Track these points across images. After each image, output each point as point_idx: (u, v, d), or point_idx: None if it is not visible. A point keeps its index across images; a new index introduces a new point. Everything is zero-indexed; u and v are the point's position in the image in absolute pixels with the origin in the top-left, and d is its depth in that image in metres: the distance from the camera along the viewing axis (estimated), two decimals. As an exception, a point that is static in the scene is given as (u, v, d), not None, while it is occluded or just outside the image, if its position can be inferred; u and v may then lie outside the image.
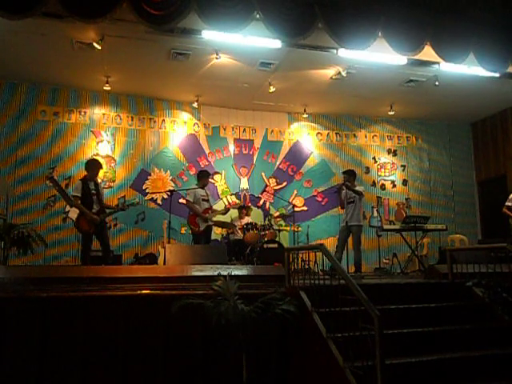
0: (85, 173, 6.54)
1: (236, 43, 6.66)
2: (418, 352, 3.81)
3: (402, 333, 3.95)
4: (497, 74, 7.48)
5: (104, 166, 8.88)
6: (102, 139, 9.06)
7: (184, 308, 3.79)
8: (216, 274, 4.29)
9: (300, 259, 5.23)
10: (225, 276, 4.22)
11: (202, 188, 7.38)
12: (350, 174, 7.51)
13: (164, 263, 5.78)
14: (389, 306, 4.23)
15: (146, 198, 9.16)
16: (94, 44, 6.90)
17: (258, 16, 5.39)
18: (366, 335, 3.17)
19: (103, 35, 6.76)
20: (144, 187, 9.20)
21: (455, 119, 10.95)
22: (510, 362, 3.96)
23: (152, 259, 8.24)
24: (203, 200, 7.26)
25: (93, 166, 6.57)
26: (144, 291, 4.20)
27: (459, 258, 5.38)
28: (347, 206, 7.21)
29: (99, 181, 6.81)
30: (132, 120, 9.32)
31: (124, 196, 8.99)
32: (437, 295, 4.81)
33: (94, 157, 8.89)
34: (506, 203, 8.01)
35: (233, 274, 4.34)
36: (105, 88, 8.41)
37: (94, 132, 9.04)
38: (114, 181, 8.98)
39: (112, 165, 9.03)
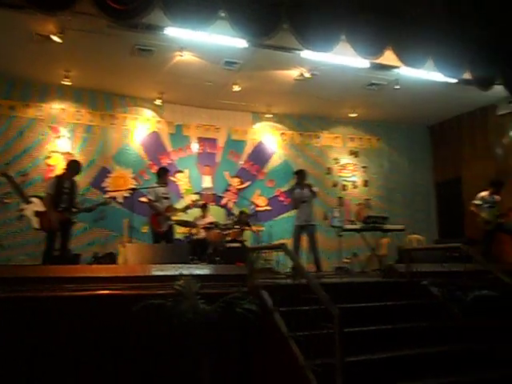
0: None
1: (201, 41, 6.61)
2: (377, 349, 3.91)
3: (361, 331, 4.03)
4: (454, 80, 7.74)
5: (63, 163, 8.67)
6: (60, 135, 8.80)
7: (145, 308, 3.74)
8: (177, 273, 4.25)
9: (262, 258, 5.26)
10: (186, 275, 4.19)
11: (163, 186, 7.25)
12: (302, 174, 7.63)
13: (125, 263, 5.67)
14: (348, 305, 4.29)
15: (106, 196, 8.96)
16: (54, 37, 6.69)
17: (223, 15, 5.38)
18: (326, 333, 3.22)
19: (63, 28, 6.56)
20: (104, 185, 9.01)
21: (414, 122, 11.27)
22: (464, 358, 4.12)
23: (111, 259, 8.07)
24: (164, 198, 7.14)
25: (75, 167, 6.59)
26: (104, 291, 4.11)
27: (417, 257, 5.55)
28: (302, 204, 7.30)
29: (76, 180, 6.67)
30: (93, 116, 9.10)
31: (83, 194, 8.75)
32: (395, 294, 4.94)
33: (52, 153, 8.69)
34: (475, 202, 8.26)
35: (194, 273, 4.31)
36: (64, 82, 8.17)
37: (53, 128, 8.77)
38: (73, 178, 8.72)
39: (71, 162, 8.77)
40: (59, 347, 3.85)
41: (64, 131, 8.83)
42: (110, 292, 4.12)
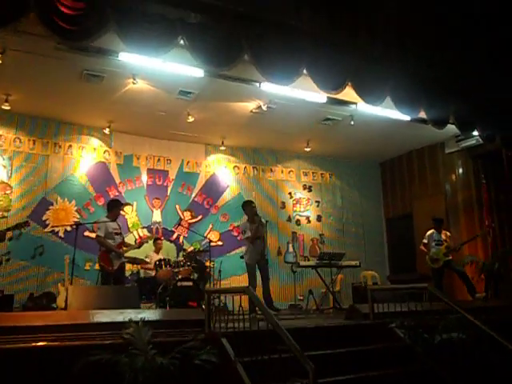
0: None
1: (155, 68, 6.31)
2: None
3: (333, 381, 3.71)
4: (407, 118, 7.88)
5: (-1, 193, 7.97)
6: (-3, 163, 8.10)
7: (90, 365, 3.25)
8: (127, 320, 3.78)
9: (219, 301, 4.86)
10: (137, 322, 3.74)
11: (114, 220, 6.67)
12: (249, 206, 7.36)
13: (65, 306, 5.09)
14: (313, 352, 3.98)
15: (45, 230, 8.28)
16: (-6, 57, 6.17)
17: (182, 42, 5.12)
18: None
19: (5, 48, 6.06)
20: (44, 218, 8.31)
21: (366, 158, 11.41)
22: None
23: (50, 299, 7.38)
24: (116, 234, 6.54)
25: None
26: (40, 343, 3.56)
27: (376, 295, 5.37)
28: (256, 241, 7.02)
29: None
30: (34, 144, 8.48)
31: (27, 222, 7.99)
32: (360, 337, 4.68)
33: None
34: (423, 241, 8.35)
35: (146, 319, 3.86)
36: (3, 107, 7.56)
37: (-12, 155, 8.07)
38: (8, 210, 8.01)
39: (7, 192, 8.07)
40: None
41: (1, 159, 8.13)
42: (47, 344, 3.58)
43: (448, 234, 8.42)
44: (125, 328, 3.67)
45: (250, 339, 3.54)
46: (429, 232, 8.32)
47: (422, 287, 4.86)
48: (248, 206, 7.37)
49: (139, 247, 7.04)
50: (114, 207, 6.73)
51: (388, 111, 7.73)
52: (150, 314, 4.33)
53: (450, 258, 8.01)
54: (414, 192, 10.81)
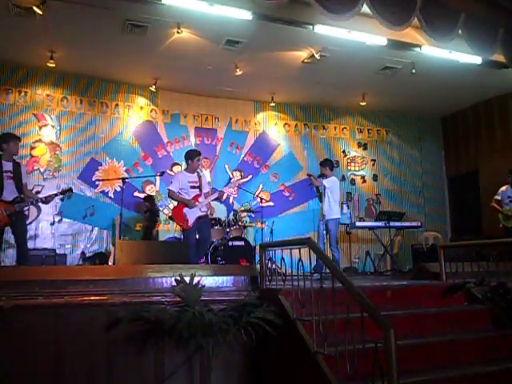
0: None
1: (200, 13, 5.86)
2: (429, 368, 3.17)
3: (403, 345, 3.29)
4: (478, 61, 7.07)
5: (48, 153, 7.92)
6: (45, 123, 8.01)
7: (137, 320, 3.00)
8: (177, 275, 3.50)
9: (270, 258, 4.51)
10: (187, 278, 3.45)
11: (192, 172, 6.01)
12: (323, 165, 6.84)
13: (113, 261, 4.90)
14: (384, 313, 3.57)
15: (96, 190, 8.19)
16: (35, 8, 5.91)
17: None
18: (363, 349, 2.50)
19: (45, -3, 5.80)
20: (94, 178, 8.21)
21: (426, 113, 10.56)
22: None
23: (102, 259, 7.31)
24: (192, 187, 5.88)
25: (6, 138, 5.28)
26: (86, 298, 3.35)
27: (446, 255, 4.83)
28: (323, 198, 6.59)
29: (20, 161, 5.59)
30: (81, 103, 8.31)
31: (71, 188, 7.95)
32: (433, 298, 4.21)
33: (37, 143, 7.89)
34: (495, 197, 7.65)
35: (197, 275, 3.56)
36: (49, 64, 7.37)
37: (37, 115, 7.97)
38: (59, 170, 7.96)
39: (57, 153, 8.00)
40: (28, 366, 3.09)
41: (49, 119, 8.04)
42: (94, 299, 3.36)
43: None
44: (175, 284, 3.42)
45: (311, 297, 3.17)
46: (503, 188, 7.58)
47: (509, 242, 4.27)
48: (321, 164, 6.89)
49: (221, 197, 6.57)
50: (191, 158, 6.00)
51: (457, 54, 6.95)
52: (201, 269, 4.03)
53: (526, 216, 7.29)
54: (481, 148, 9.90)
